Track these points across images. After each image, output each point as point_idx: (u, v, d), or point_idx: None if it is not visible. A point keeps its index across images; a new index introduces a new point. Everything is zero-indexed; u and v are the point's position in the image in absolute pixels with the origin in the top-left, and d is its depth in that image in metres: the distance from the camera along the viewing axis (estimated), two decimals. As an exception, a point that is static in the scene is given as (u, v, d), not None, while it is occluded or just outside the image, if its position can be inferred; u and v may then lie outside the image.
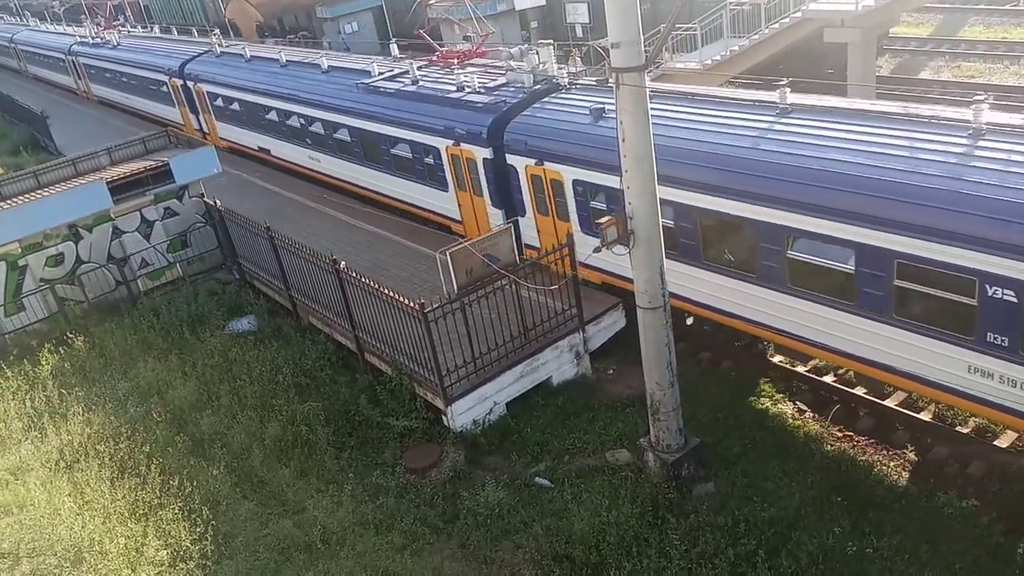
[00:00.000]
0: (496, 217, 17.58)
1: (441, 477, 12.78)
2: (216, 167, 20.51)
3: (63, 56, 47.13)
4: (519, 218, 16.97)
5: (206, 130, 31.91)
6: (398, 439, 13.60)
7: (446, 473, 12.85)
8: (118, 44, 40.42)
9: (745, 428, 12.91)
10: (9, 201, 19.98)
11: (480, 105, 17.86)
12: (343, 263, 14.78)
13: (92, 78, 43.76)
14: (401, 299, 13.24)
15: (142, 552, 11.20)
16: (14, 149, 37.68)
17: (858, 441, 12.66)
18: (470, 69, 20.54)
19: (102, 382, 15.75)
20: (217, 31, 31.61)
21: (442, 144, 18.37)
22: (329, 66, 23.94)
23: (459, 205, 18.93)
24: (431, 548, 11.34)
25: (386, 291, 13.61)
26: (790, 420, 13.18)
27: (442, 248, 13.57)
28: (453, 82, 19.46)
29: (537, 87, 17.60)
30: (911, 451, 12.32)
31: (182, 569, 11.06)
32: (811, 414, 13.38)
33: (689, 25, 24.84)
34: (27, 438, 14.06)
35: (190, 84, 31.19)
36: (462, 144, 17.78)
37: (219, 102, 29.54)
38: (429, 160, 19.11)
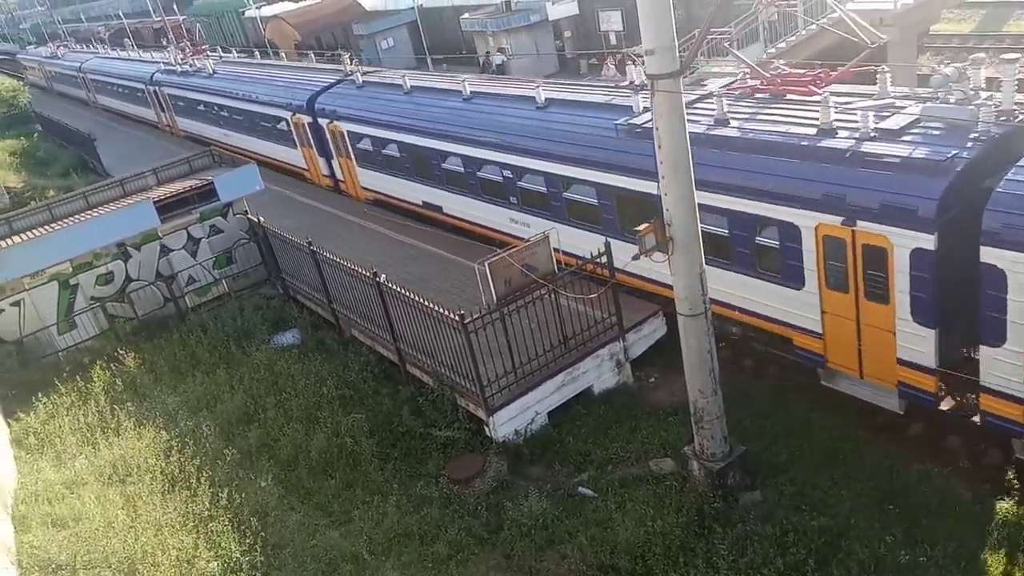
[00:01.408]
0: (920, 340, 11.54)
1: (484, 487, 12.81)
2: (259, 184, 20.92)
3: (143, 86, 43.13)
4: (983, 349, 10.90)
5: (340, 177, 26.43)
6: (441, 450, 13.66)
7: (489, 483, 12.87)
8: (213, 73, 35.78)
9: (791, 435, 12.72)
10: (60, 222, 20.58)
11: (900, 162, 11.36)
12: (384, 276, 14.94)
13: (179, 111, 39.31)
14: (441, 310, 13.33)
15: (193, 564, 11.39)
16: (64, 171, 38.88)
17: (908, 447, 12.39)
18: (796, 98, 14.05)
19: (152, 397, 16.10)
20: (346, 56, 27.18)
21: (809, 220, 12.13)
22: (547, 99, 17.91)
23: (824, 312, 12.57)
24: (476, 559, 11.37)
25: (426, 303, 13.72)
26: (838, 426, 12.94)
27: (480, 259, 13.66)
28: (807, 120, 12.96)
29: (998, 130, 11.08)
30: (964, 456, 12.02)
31: (232, 580, 11.23)
32: (860, 420, 13.12)
33: (724, 29, 24.67)
34: (81, 452, 14.42)
35: (322, 122, 25.50)
36: (861, 223, 11.53)
37: (364, 144, 23.70)
38: (768, 241, 12.98)
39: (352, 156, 24.78)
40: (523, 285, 13.64)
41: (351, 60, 27.83)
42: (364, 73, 25.80)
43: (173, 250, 20.10)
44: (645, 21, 9.43)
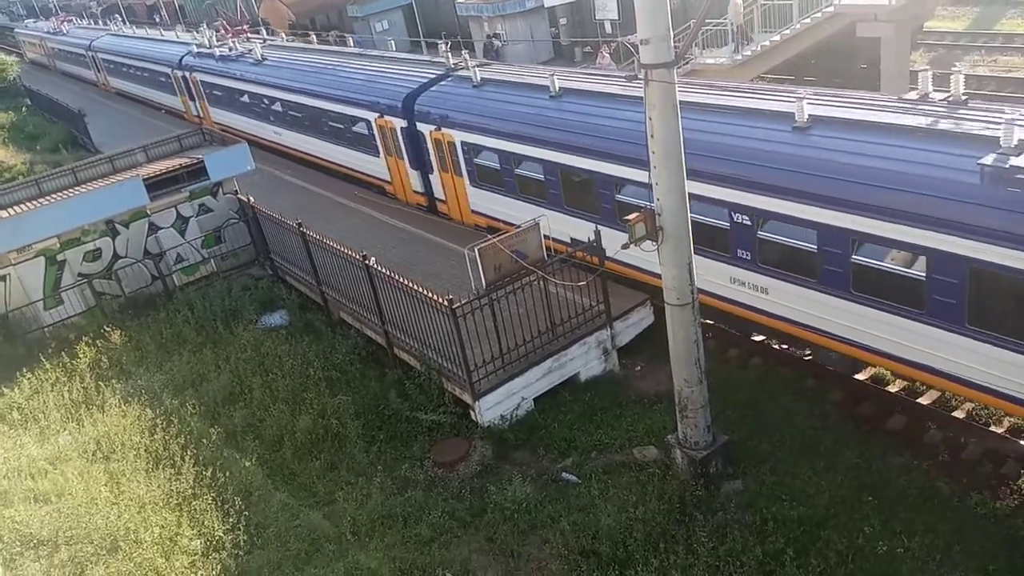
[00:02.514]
0: None
1: (469, 471, 12.88)
2: (249, 164, 20.80)
3: (168, 71, 37.94)
4: None
5: (439, 196, 21.27)
6: (426, 433, 13.72)
7: (474, 467, 12.94)
8: (263, 59, 30.09)
9: (774, 426, 12.83)
10: (48, 197, 20.42)
11: None
12: (373, 259, 14.93)
13: (215, 102, 34.08)
14: (430, 295, 13.35)
15: (176, 541, 11.43)
16: (53, 147, 38.49)
17: (890, 440, 12.52)
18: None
19: (138, 375, 16.06)
20: (444, 45, 22.77)
21: None
22: (812, 116, 12.75)
23: None
24: (459, 541, 11.44)
25: (415, 287, 13.73)
26: (820, 418, 13.06)
27: (471, 244, 13.67)
28: None
29: None
30: (944, 450, 12.16)
31: (215, 559, 11.27)
32: (842, 412, 13.25)
33: (719, 20, 24.70)
34: (65, 429, 14.40)
35: (423, 128, 20.42)
36: None
37: (485, 160, 18.54)
38: None
39: (463, 173, 19.58)
40: (513, 271, 13.67)
41: (455, 54, 21.87)
42: (480, 67, 20.17)
43: (162, 228, 19.99)
44: (640, 10, 9.44)
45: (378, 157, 23.20)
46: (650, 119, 9.96)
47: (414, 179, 21.90)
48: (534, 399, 14.18)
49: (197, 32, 39.67)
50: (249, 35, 35.11)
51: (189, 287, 19.86)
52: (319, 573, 11.04)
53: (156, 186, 19.90)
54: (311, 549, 11.52)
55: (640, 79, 10.07)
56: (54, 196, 20.38)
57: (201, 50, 35.38)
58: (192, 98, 36.75)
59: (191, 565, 11.08)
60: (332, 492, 12.65)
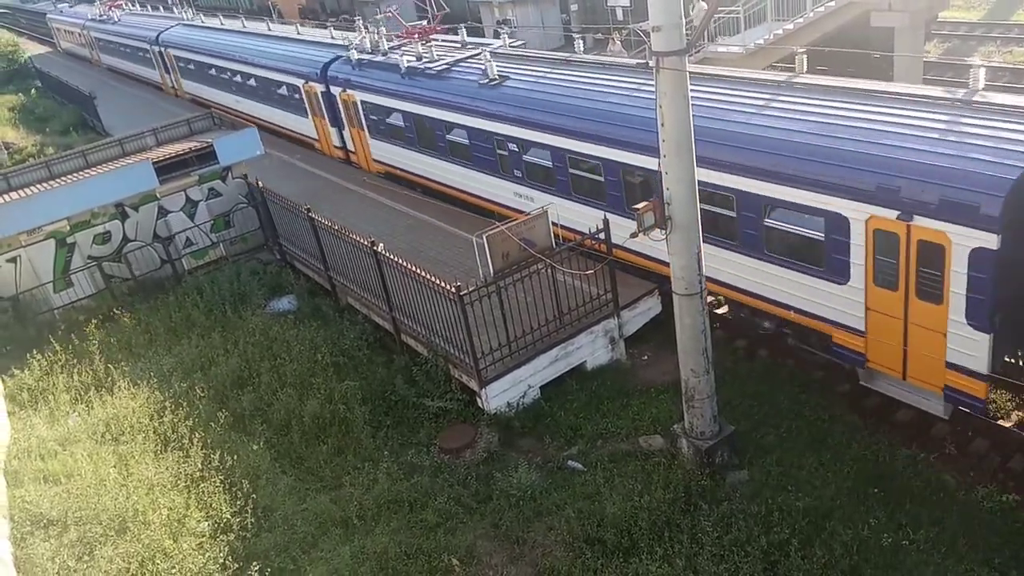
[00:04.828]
0: None
1: (475, 458, 12.92)
2: (259, 148, 20.81)
3: (299, 83, 27.32)
4: None
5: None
6: (433, 420, 13.76)
7: (480, 454, 12.98)
8: (499, 80, 18.56)
9: (780, 417, 12.82)
10: (58, 180, 20.50)
11: None
12: (381, 245, 14.94)
13: (390, 136, 23.12)
14: (438, 282, 13.36)
15: (184, 523, 11.49)
16: (64, 129, 38.66)
17: (896, 432, 12.50)
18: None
19: (147, 357, 16.15)
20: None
21: None
22: None
23: None
24: (464, 527, 11.49)
25: (423, 274, 13.74)
26: (827, 410, 13.03)
27: (479, 231, 13.66)
28: None
29: None
30: (951, 443, 12.13)
31: (222, 540, 11.34)
32: (848, 404, 13.22)
33: (732, 8, 24.50)
34: (75, 410, 14.48)
35: None
36: None
37: None
38: None
39: None
40: (521, 259, 13.66)
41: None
42: None
43: (171, 212, 20.05)
44: (653, -3, 9.33)
45: (901, 294, 11.40)
46: (661, 107, 9.91)
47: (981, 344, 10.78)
48: (540, 387, 14.20)
49: (355, 26, 28.78)
50: (435, 37, 23.94)
51: (198, 271, 19.93)
52: (325, 556, 11.11)
53: (166, 169, 19.97)
54: (318, 533, 11.60)
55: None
56: (64, 178, 20.48)
57: (363, 56, 24.46)
58: (336, 123, 26.27)
59: (199, 547, 11.14)
60: (339, 476, 12.72)
